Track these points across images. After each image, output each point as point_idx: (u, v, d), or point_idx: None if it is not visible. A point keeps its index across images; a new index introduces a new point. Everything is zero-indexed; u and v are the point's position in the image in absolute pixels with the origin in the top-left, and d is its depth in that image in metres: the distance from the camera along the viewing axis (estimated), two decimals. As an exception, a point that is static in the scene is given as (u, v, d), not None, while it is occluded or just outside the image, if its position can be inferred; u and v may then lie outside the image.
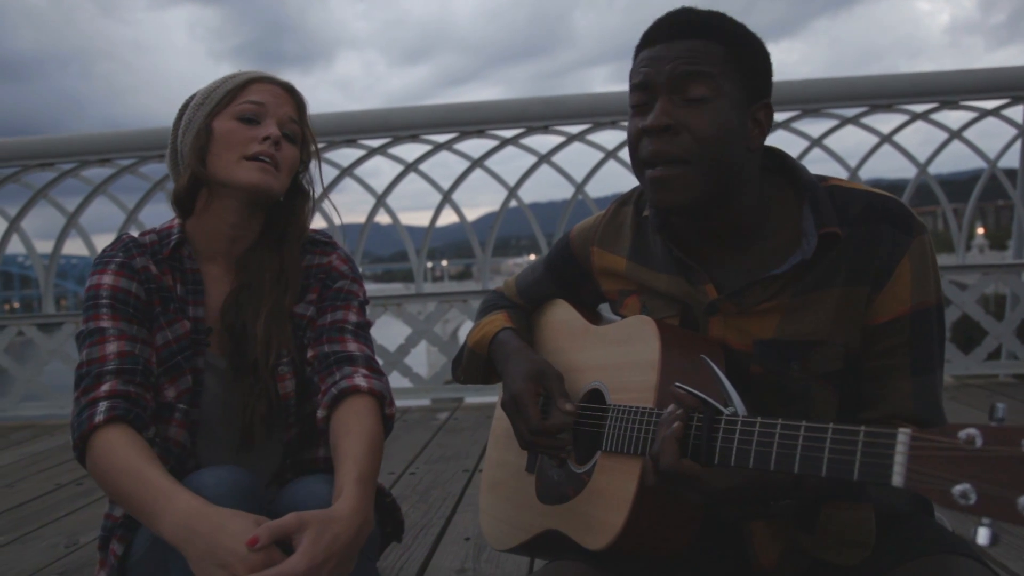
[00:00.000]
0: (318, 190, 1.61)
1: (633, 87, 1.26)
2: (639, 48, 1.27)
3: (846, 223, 1.23)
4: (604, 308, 1.62)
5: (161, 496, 1.20)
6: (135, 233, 1.53)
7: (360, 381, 1.44)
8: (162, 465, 1.28)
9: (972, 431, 0.77)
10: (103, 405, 1.32)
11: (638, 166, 1.27)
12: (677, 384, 1.12)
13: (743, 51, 1.23)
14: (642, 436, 1.22)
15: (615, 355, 1.40)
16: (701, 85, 1.19)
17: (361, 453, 1.34)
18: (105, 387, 1.35)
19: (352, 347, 1.50)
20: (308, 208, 1.58)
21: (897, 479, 0.82)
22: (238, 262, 1.52)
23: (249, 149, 1.45)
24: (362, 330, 1.55)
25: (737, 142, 1.22)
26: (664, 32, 1.23)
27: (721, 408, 1.07)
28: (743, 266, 1.29)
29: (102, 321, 1.41)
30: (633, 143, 1.27)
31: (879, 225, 1.22)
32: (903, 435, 0.83)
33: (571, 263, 1.57)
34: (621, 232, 1.47)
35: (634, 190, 1.49)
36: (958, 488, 0.77)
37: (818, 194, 1.25)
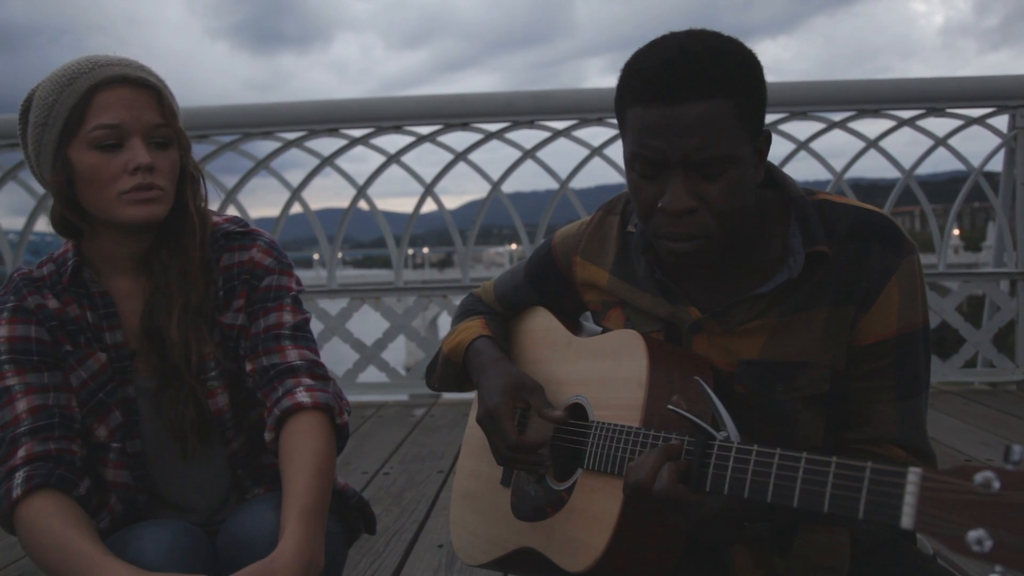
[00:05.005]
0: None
1: (641, 157, 1.13)
2: (629, 100, 1.13)
3: (834, 240, 1.19)
4: (585, 317, 1.56)
5: (89, 569, 1.13)
6: (32, 266, 1.41)
7: (303, 397, 1.32)
8: (92, 529, 1.22)
9: (988, 474, 0.75)
10: (20, 475, 1.24)
11: (649, 229, 1.19)
12: (671, 407, 1.07)
13: (750, 96, 1.11)
14: (627, 457, 1.18)
15: (599, 370, 1.35)
16: (722, 162, 1.10)
17: (303, 484, 1.23)
18: (21, 452, 1.26)
19: (292, 355, 1.38)
20: (201, 193, 1.42)
21: (907, 520, 0.79)
22: (144, 267, 1.39)
23: (122, 184, 1.28)
24: (300, 331, 1.43)
25: (751, 192, 1.17)
26: (665, 91, 1.08)
27: (714, 433, 1.03)
28: (728, 285, 1.25)
29: (7, 379, 1.31)
30: (645, 212, 1.17)
31: (867, 243, 1.18)
32: (914, 475, 0.80)
33: (553, 271, 1.51)
34: (605, 244, 1.41)
35: (620, 198, 1.43)
36: (973, 534, 0.74)
37: (806, 210, 1.20)
